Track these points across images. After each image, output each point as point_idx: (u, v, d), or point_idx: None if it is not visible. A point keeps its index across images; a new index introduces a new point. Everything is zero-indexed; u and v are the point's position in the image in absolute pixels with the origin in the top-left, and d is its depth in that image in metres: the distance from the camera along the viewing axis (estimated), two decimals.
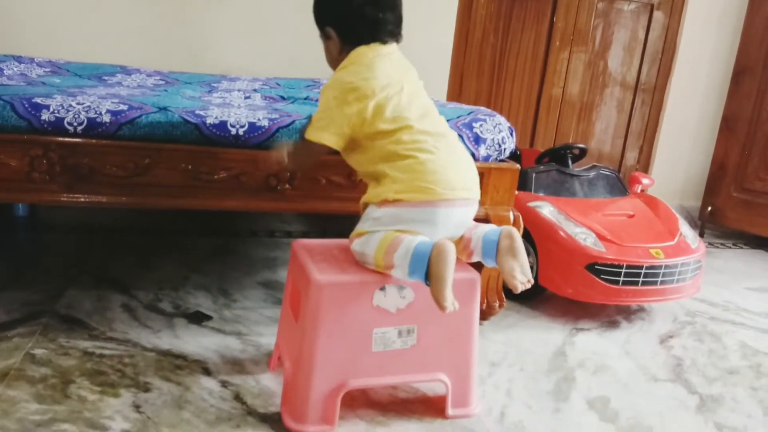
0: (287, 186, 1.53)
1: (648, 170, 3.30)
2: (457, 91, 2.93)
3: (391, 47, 1.31)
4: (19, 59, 2.09)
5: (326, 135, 1.23)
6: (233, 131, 1.45)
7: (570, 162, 2.20)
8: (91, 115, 1.36)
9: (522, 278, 1.17)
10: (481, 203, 1.69)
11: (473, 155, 1.63)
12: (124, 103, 1.42)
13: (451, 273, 1.10)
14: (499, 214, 1.68)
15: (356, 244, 1.22)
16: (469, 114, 1.70)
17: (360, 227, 1.24)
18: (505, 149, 1.71)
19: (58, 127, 1.34)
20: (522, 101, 3.06)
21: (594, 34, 3.04)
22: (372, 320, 1.18)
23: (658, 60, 3.16)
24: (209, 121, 1.43)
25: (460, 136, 1.62)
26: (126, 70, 2.18)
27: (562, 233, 1.83)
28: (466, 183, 1.26)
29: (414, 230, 1.18)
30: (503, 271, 1.19)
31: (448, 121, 1.63)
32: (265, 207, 1.54)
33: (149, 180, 1.41)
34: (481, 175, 1.67)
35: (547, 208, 1.93)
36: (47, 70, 2.06)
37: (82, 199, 1.39)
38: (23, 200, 1.40)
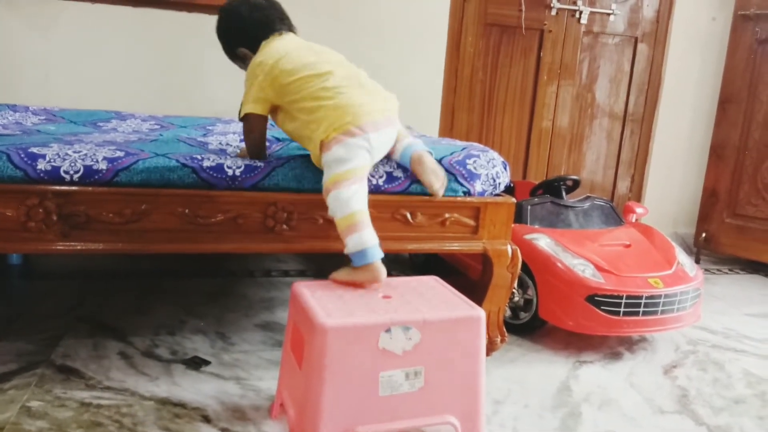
0: (284, 227, 1.52)
1: (640, 199, 3.33)
2: (448, 127, 2.96)
3: (287, 35, 1.57)
4: (14, 108, 2.10)
5: (249, 106, 1.49)
6: (230, 172, 1.46)
7: (564, 193, 2.22)
8: (88, 162, 1.36)
9: (438, 185, 1.53)
10: (479, 237, 1.70)
11: (469, 192, 1.64)
12: (121, 150, 1.43)
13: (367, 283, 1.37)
14: (497, 248, 1.68)
15: (330, 197, 1.40)
16: (462, 150, 1.71)
17: (325, 177, 1.42)
18: (499, 183, 1.72)
19: (54, 175, 1.34)
20: (513, 134, 3.10)
21: (581, 67, 3.10)
22: (378, 363, 1.16)
23: (644, 90, 3.22)
24: (206, 163, 1.44)
25: (453, 174, 1.63)
26: (121, 116, 2.19)
27: (560, 265, 1.83)
28: (374, 111, 1.45)
29: (360, 164, 1.41)
30: (423, 184, 1.54)
31: (442, 158, 1.65)
32: (263, 249, 1.53)
33: (146, 225, 1.40)
34: (477, 210, 1.68)
35: (543, 240, 1.93)
36: (42, 118, 2.07)
37: (79, 247, 1.38)
38: (19, 250, 1.39)
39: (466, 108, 2.98)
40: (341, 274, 1.39)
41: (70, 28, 2.40)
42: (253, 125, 1.52)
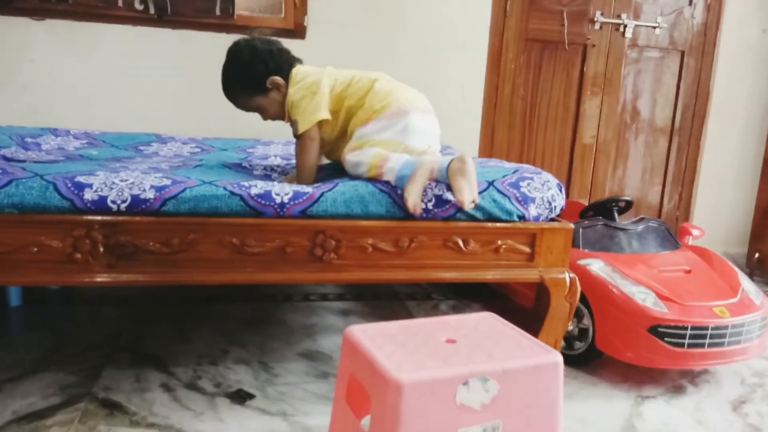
0: (333, 255, 1.47)
1: (688, 216, 3.20)
2: (488, 144, 2.89)
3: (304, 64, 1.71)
4: (55, 132, 2.09)
5: (317, 115, 1.56)
6: (278, 199, 1.41)
7: (616, 215, 2.12)
8: (135, 191, 1.32)
9: (469, 197, 1.43)
10: (535, 265, 1.62)
11: (523, 216, 1.57)
12: (167, 177, 1.39)
13: (425, 181, 1.44)
14: (555, 277, 1.60)
15: (352, 155, 1.52)
16: (514, 173, 1.64)
17: (352, 143, 1.55)
18: (555, 207, 1.64)
19: (101, 205, 1.30)
20: (555, 151, 3.01)
21: (625, 81, 3.00)
22: (456, 420, 1.03)
23: (692, 105, 3.11)
24: (254, 191, 1.39)
25: (507, 196, 1.56)
26: (161, 139, 2.17)
27: (618, 293, 1.73)
28: (416, 100, 1.61)
29: (387, 139, 1.51)
30: (453, 189, 1.45)
31: (494, 180, 1.58)
32: (311, 279, 1.48)
33: (194, 255, 1.36)
34: (533, 236, 1.60)
35: (597, 265, 1.84)
36: (84, 142, 2.05)
37: (125, 278, 1.34)
38: (65, 282, 1.35)
39: (507, 125, 2.91)
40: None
41: (110, 52, 2.39)
42: (311, 135, 1.58)
